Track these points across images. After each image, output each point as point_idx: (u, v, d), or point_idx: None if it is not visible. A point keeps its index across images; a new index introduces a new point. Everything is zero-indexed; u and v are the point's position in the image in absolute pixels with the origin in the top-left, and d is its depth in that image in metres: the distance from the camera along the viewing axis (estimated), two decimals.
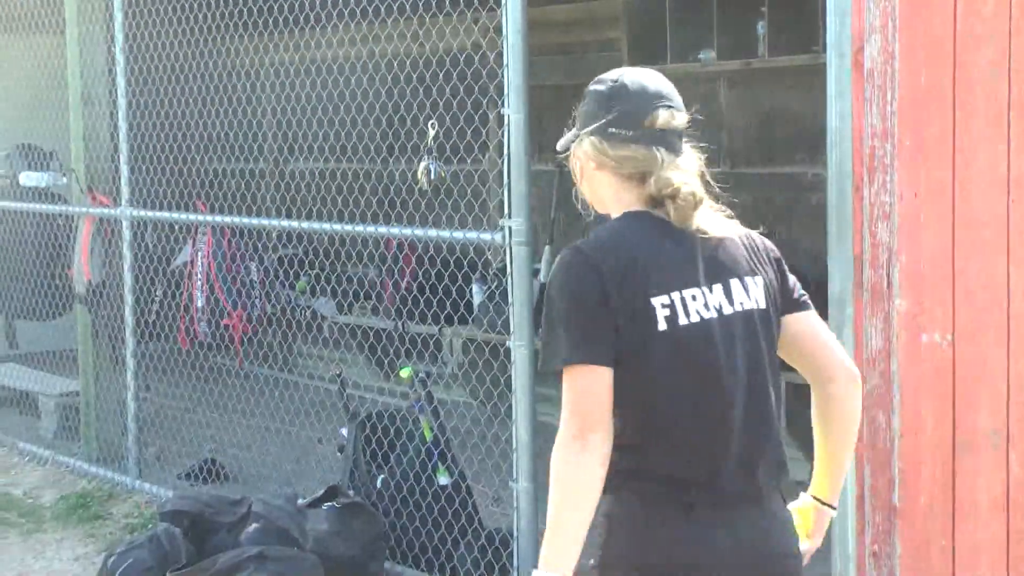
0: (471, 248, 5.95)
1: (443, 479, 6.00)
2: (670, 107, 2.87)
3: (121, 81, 7.30)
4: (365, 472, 6.14)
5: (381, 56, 8.43)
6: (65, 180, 8.50)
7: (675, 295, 2.77)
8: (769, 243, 3.00)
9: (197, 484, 7.20)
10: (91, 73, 7.78)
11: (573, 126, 2.97)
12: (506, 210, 5.07)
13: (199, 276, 8.15)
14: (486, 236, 5.23)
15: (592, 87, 2.94)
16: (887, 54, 4.04)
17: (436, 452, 6.05)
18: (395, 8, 5.97)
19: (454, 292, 6.34)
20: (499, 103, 5.12)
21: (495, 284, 8.11)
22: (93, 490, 7.39)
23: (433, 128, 5.77)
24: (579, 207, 3.04)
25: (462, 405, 8.11)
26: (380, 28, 7.93)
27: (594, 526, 2.76)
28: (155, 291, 8.01)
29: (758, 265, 2.90)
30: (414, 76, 6.16)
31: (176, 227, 8.11)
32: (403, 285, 9.02)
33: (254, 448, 7.87)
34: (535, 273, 5.02)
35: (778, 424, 2.89)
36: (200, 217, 7.39)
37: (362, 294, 9.66)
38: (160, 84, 7.61)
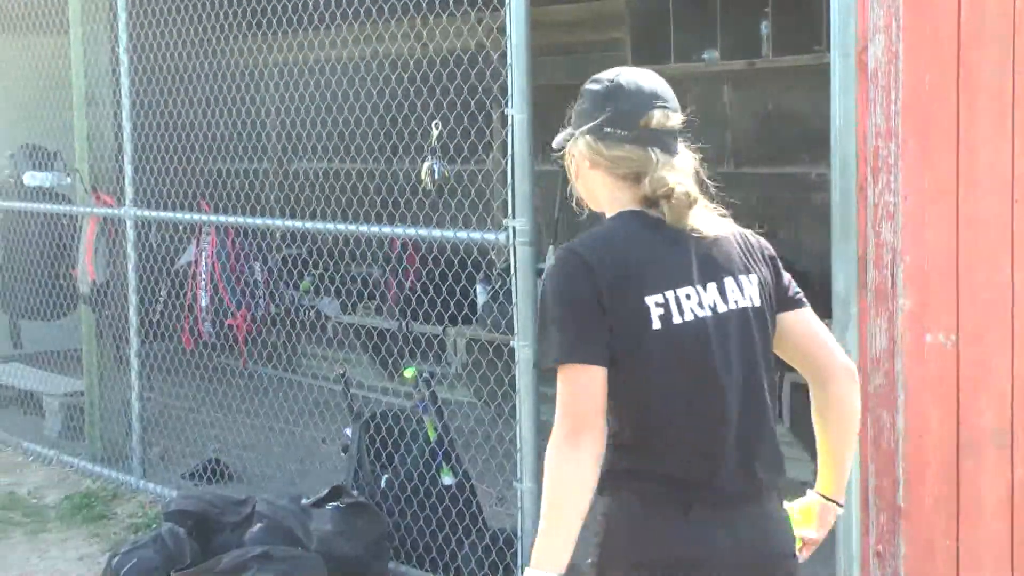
0: (475, 248, 5.96)
1: (447, 479, 6.00)
2: (665, 107, 2.88)
3: (125, 81, 7.31)
4: (369, 472, 6.14)
5: (385, 56, 8.42)
6: (69, 180, 8.52)
7: (669, 294, 2.78)
8: (764, 241, 3.01)
9: (201, 484, 7.21)
10: (95, 73, 7.79)
11: (569, 124, 2.97)
12: (510, 210, 5.07)
13: (203, 276, 8.15)
14: (490, 236, 5.23)
15: (588, 86, 2.95)
16: (891, 54, 4.04)
17: (440, 452, 6.05)
18: (399, 8, 5.97)
19: (458, 292, 6.34)
20: (503, 103, 5.12)
21: (499, 284, 8.11)
22: (97, 490, 7.39)
23: (437, 128, 5.76)
24: (574, 205, 3.05)
25: (466, 405, 8.10)
26: (384, 28, 7.92)
27: (586, 526, 2.77)
28: (159, 291, 8.01)
29: (752, 263, 2.91)
30: (418, 76, 6.16)
31: (180, 227, 8.11)
32: (407, 285, 9.01)
33: (258, 448, 7.87)
34: (539, 273, 5.01)
35: (774, 421, 2.89)
36: (204, 217, 7.39)
37: (366, 294, 9.66)
38: (164, 84, 7.61)
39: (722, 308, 2.82)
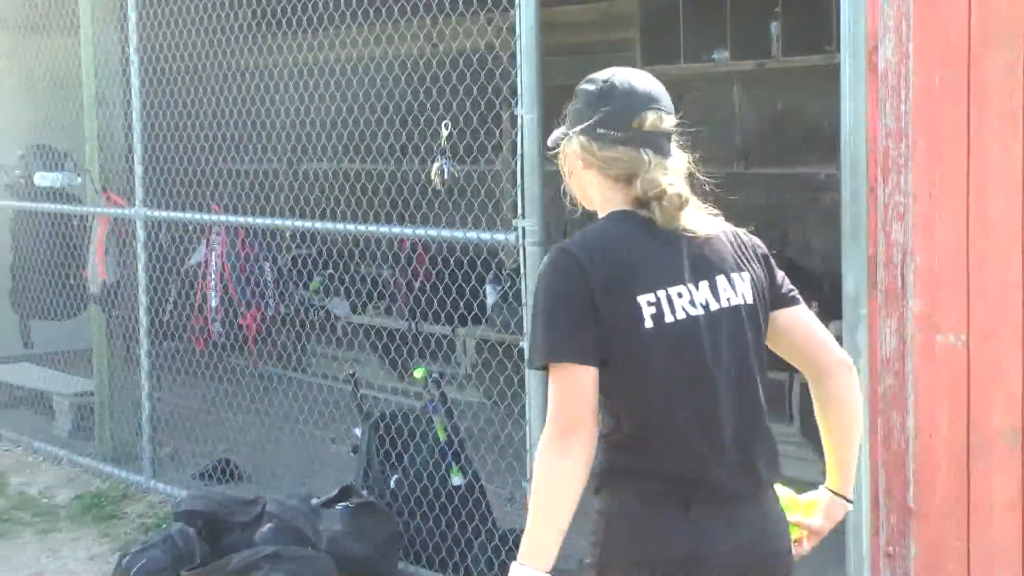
0: (485, 248, 5.95)
1: (457, 479, 6.01)
2: (659, 109, 2.89)
3: (135, 81, 7.32)
4: (379, 472, 6.14)
5: (395, 56, 8.43)
6: (79, 180, 8.53)
7: (661, 293, 2.79)
8: (756, 240, 3.03)
9: (211, 484, 7.21)
10: (105, 73, 7.80)
11: (564, 123, 2.99)
12: (520, 210, 5.07)
13: (213, 276, 8.16)
14: (500, 236, 5.23)
15: (582, 86, 2.96)
16: (901, 54, 4.03)
17: (450, 452, 6.06)
18: (409, 8, 5.97)
19: (468, 292, 6.34)
20: (513, 103, 5.12)
21: (509, 284, 8.10)
22: (108, 490, 7.41)
23: (447, 128, 5.76)
24: (567, 203, 3.06)
25: (476, 405, 8.11)
26: (394, 28, 7.92)
27: (573, 526, 2.77)
28: (169, 291, 8.02)
29: (745, 261, 2.93)
30: (428, 76, 6.16)
31: (190, 227, 8.12)
32: (417, 285, 9.01)
33: (268, 448, 7.88)
34: None
35: (767, 418, 2.90)
36: (214, 217, 7.40)
37: (376, 294, 9.67)
38: (174, 84, 7.62)
39: (714, 306, 2.84)
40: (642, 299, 2.78)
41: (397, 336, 8.49)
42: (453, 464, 6.04)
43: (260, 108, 7.96)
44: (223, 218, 7.35)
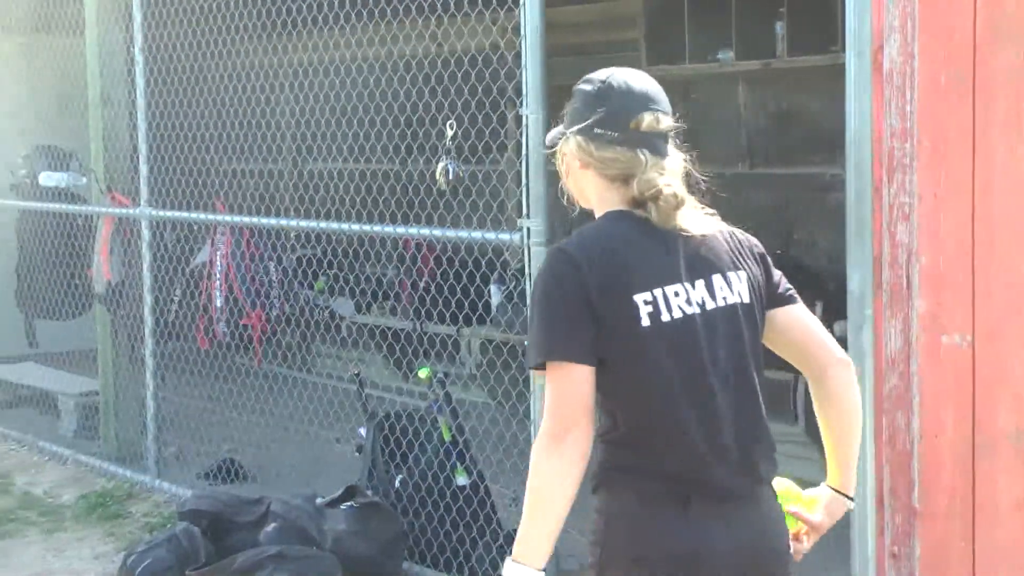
0: (489, 248, 5.96)
1: (461, 479, 6.01)
2: (656, 110, 2.90)
3: (140, 81, 7.33)
4: (383, 472, 6.15)
5: (399, 56, 8.43)
6: (84, 180, 8.54)
7: (657, 292, 2.80)
8: (753, 239, 3.03)
9: (216, 483, 7.22)
10: (110, 73, 7.81)
11: (562, 122, 3.00)
12: (524, 210, 5.07)
13: (218, 276, 8.16)
14: (504, 236, 5.23)
15: (580, 86, 2.97)
16: (906, 54, 4.03)
17: (454, 452, 6.06)
18: (413, 8, 5.97)
19: (472, 292, 6.34)
20: (517, 103, 5.12)
21: (513, 284, 8.10)
22: (113, 489, 7.41)
23: (451, 128, 5.77)
24: (564, 202, 3.07)
25: (480, 405, 8.11)
26: (398, 28, 7.93)
27: (576, 525, 2.78)
28: (174, 291, 8.03)
29: (741, 260, 2.93)
30: (432, 76, 6.16)
31: (195, 227, 8.13)
32: (421, 285, 9.02)
33: (273, 448, 7.89)
34: None
35: (765, 416, 2.91)
36: (219, 217, 7.40)
37: (380, 294, 9.67)
38: (179, 84, 7.62)
39: (710, 305, 2.85)
40: (639, 298, 2.79)
41: (402, 336, 8.49)
42: (458, 464, 6.04)
43: (265, 108, 7.97)
44: (228, 218, 7.36)
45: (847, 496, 3.10)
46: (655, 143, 2.88)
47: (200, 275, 8.28)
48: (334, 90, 8.25)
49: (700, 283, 2.85)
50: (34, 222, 9.10)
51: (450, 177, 5.86)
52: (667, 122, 2.92)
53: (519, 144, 5.16)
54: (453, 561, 5.77)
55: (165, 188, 7.51)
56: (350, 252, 9.24)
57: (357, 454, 6.51)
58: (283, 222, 7.52)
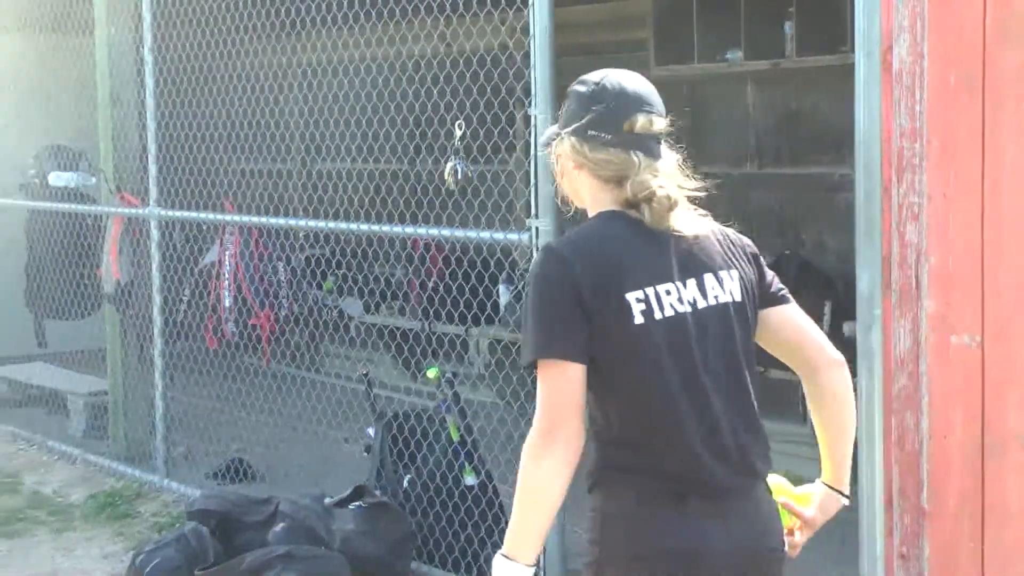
0: (498, 248, 5.95)
1: (470, 479, 6.01)
2: (649, 112, 2.92)
3: (149, 81, 7.34)
4: (392, 472, 6.15)
5: (408, 56, 8.43)
6: (94, 180, 8.55)
7: (649, 290, 2.82)
8: (746, 239, 3.05)
9: (224, 483, 7.23)
10: (120, 73, 7.82)
11: (558, 121, 3.02)
12: (533, 210, 5.07)
13: (227, 276, 8.17)
14: (513, 236, 5.23)
15: (574, 87, 3.00)
16: (916, 54, 4.02)
17: (463, 452, 6.06)
18: (422, 8, 5.97)
19: (481, 292, 6.34)
20: (526, 103, 5.12)
21: (522, 284, 8.11)
22: (122, 489, 7.42)
23: (460, 128, 5.77)
24: (559, 202, 3.09)
25: (489, 405, 8.11)
26: (407, 28, 7.93)
27: (572, 526, 2.79)
28: (183, 291, 8.04)
29: (733, 260, 2.95)
30: (441, 76, 6.16)
31: (204, 227, 8.14)
32: (430, 285, 9.02)
33: (281, 447, 7.89)
34: None
35: (758, 413, 2.93)
36: (228, 217, 7.41)
37: (389, 294, 9.68)
38: (188, 84, 7.63)
39: (702, 304, 2.87)
40: (631, 296, 2.81)
41: (410, 336, 8.50)
42: (466, 464, 6.04)
43: (274, 108, 7.97)
44: (237, 218, 7.36)
45: (842, 493, 3.12)
46: (648, 145, 2.91)
47: (209, 275, 8.29)
48: (343, 90, 8.25)
49: (692, 282, 2.87)
50: (44, 222, 9.11)
51: (459, 177, 5.86)
52: (661, 124, 2.94)
53: (527, 144, 5.15)
54: (461, 561, 5.77)
55: (174, 188, 7.52)
56: (359, 252, 9.25)
57: (365, 454, 6.51)
58: (292, 222, 7.52)
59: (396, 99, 7.74)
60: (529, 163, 5.10)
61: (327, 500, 5.91)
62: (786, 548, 3.00)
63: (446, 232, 5.81)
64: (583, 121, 2.91)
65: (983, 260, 4.10)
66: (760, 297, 2.99)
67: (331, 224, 6.84)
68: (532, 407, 5.35)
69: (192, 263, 8.09)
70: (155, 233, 7.39)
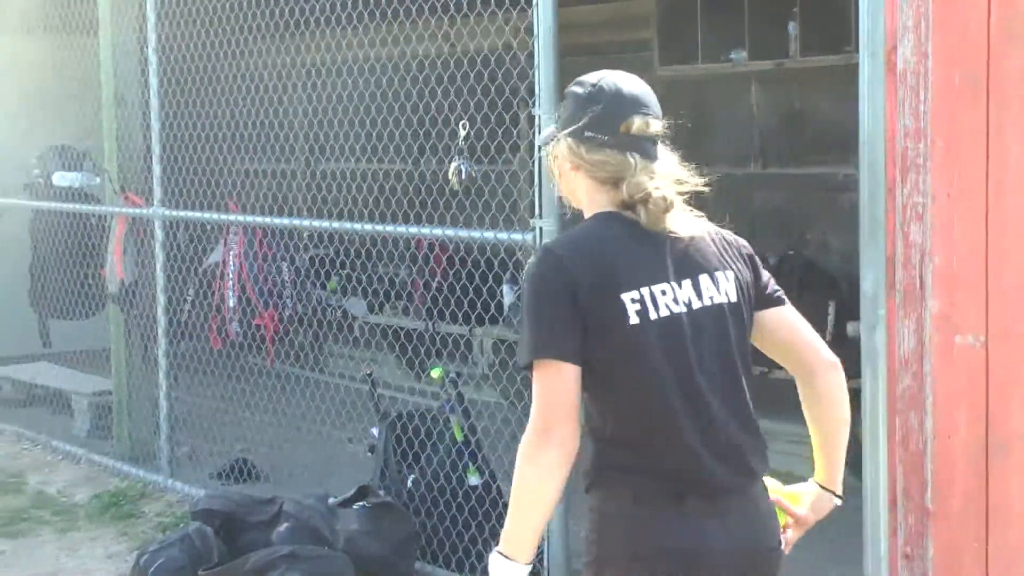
0: (502, 248, 5.96)
1: (474, 479, 6.01)
2: (646, 114, 2.93)
3: (154, 81, 7.35)
4: (396, 472, 6.15)
5: (412, 56, 8.43)
6: (98, 180, 8.56)
7: (644, 291, 2.84)
8: (742, 240, 3.07)
9: (228, 483, 7.23)
10: (124, 73, 7.83)
11: (556, 122, 3.04)
12: (537, 210, 5.07)
13: (231, 276, 8.18)
14: (517, 236, 5.23)
15: (572, 88, 3.02)
16: (920, 54, 4.02)
17: (467, 452, 6.06)
18: (426, 8, 5.97)
19: (485, 292, 6.34)
20: (530, 103, 5.12)
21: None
22: (126, 489, 7.43)
23: (464, 128, 5.77)
24: (555, 203, 3.12)
25: (493, 405, 8.11)
26: (411, 28, 7.93)
27: (575, 527, 2.80)
28: (187, 291, 8.04)
29: (729, 260, 2.97)
30: (445, 76, 6.17)
31: (208, 227, 8.15)
32: (434, 285, 9.02)
33: (285, 447, 7.89)
34: None
35: (753, 413, 2.94)
36: (232, 217, 7.42)
37: (393, 294, 9.68)
38: (192, 84, 7.64)
39: (697, 304, 2.88)
40: (626, 297, 2.82)
41: (414, 336, 8.50)
42: (470, 464, 6.04)
43: (278, 108, 7.98)
44: (241, 218, 7.37)
45: (834, 493, 3.14)
46: (645, 146, 2.92)
47: (213, 275, 8.30)
48: (347, 90, 8.26)
49: (687, 283, 2.88)
50: (48, 222, 9.12)
51: (463, 177, 5.86)
52: (657, 125, 2.95)
53: (531, 144, 5.15)
54: (465, 561, 5.77)
55: (178, 188, 7.52)
56: (363, 252, 9.25)
57: (369, 454, 6.52)
58: (296, 222, 7.53)
59: (400, 99, 7.74)
60: (533, 163, 5.10)
61: (331, 500, 5.91)
62: (783, 547, 3.01)
63: (450, 232, 5.81)
64: (580, 123, 2.92)
65: (987, 260, 4.10)
66: (756, 298, 3.00)
67: (335, 224, 6.84)
68: None
69: (196, 263, 8.10)
70: (159, 233, 7.40)
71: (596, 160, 2.91)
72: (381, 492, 5.99)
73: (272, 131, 8.12)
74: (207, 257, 8.46)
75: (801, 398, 3.10)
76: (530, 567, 2.84)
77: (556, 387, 2.79)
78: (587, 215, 2.98)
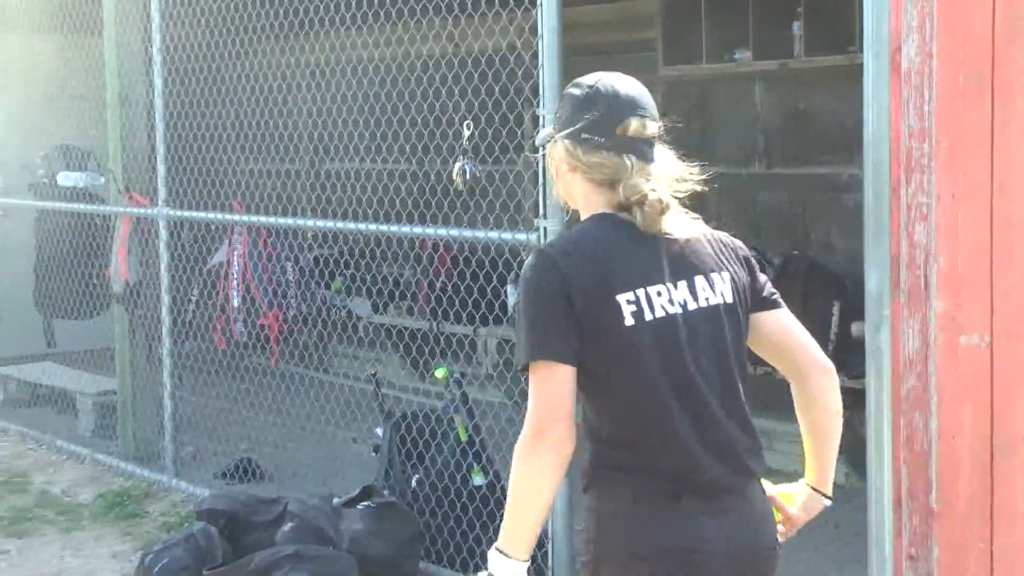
0: (506, 248, 5.96)
1: (478, 479, 6.01)
2: (643, 116, 2.94)
3: (158, 81, 7.35)
4: (400, 472, 6.15)
5: (416, 57, 8.43)
6: (103, 180, 8.56)
7: (640, 292, 2.85)
8: (739, 243, 3.08)
9: (233, 483, 7.23)
10: (128, 73, 7.83)
11: (553, 123, 3.05)
12: (541, 211, 5.07)
13: (235, 276, 8.18)
14: (521, 236, 5.23)
15: (569, 90, 3.03)
16: (925, 54, 4.01)
17: (471, 452, 6.06)
18: (430, 9, 5.98)
19: (489, 292, 6.34)
20: (534, 103, 5.12)
21: None
22: (130, 488, 7.44)
23: (468, 128, 5.77)
24: (560, 203, 3.13)
25: (497, 405, 8.11)
26: (416, 29, 7.93)
27: (578, 528, 2.80)
28: (192, 291, 8.05)
29: (725, 262, 2.98)
30: (449, 76, 6.17)
31: (212, 227, 8.16)
32: (438, 285, 9.03)
33: (290, 447, 7.90)
34: None
35: (748, 413, 2.95)
36: (236, 217, 7.42)
37: (397, 294, 9.68)
38: (197, 84, 7.65)
39: (692, 305, 2.89)
40: (621, 298, 2.83)
41: (419, 336, 8.50)
42: (474, 464, 6.05)
43: (282, 108, 7.98)
44: (245, 218, 7.37)
45: (824, 494, 3.17)
46: (641, 148, 2.93)
47: (217, 275, 8.30)
48: (351, 90, 8.26)
49: (682, 284, 2.90)
50: (52, 222, 9.13)
51: (467, 177, 5.86)
52: (653, 127, 2.96)
53: (535, 144, 5.15)
54: (469, 561, 5.77)
55: (182, 188, 7.53)
56: (367, 252, 9.26)
57: (374, 454, 6.52)
58: (300, 222, 7.53)
59: (404, 99, 7.74)
60: (537, 163, 5.10)
61: (335, 500, 5.92)
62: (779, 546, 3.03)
63: (454, 232, 5.82)
64: (577, 124, 2.94)
65: (992, 260, 4.10)
66: (752, 300, 3.01)
67: (339, 224, 6.84)
68: None
69: (201, 263, 8.10)
70: (164, 233, 7.40)
71: (593, 162, 2.92)
72: (385, 492, 5.99)
73: (276, 131, 8.12)
74: (211, 257, 8.46)
75: (795, 402, 3.12)
76: (528, 562, 2.86)
77: (551, 388, 2.81)
78: (583, 216, 2.99)
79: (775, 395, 3.15)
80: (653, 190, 2.88)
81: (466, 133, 5.79)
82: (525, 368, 2.84)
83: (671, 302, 2.86)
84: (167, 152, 7.34)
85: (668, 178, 2.93)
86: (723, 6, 8.33)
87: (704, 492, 2.85)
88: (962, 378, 4.10)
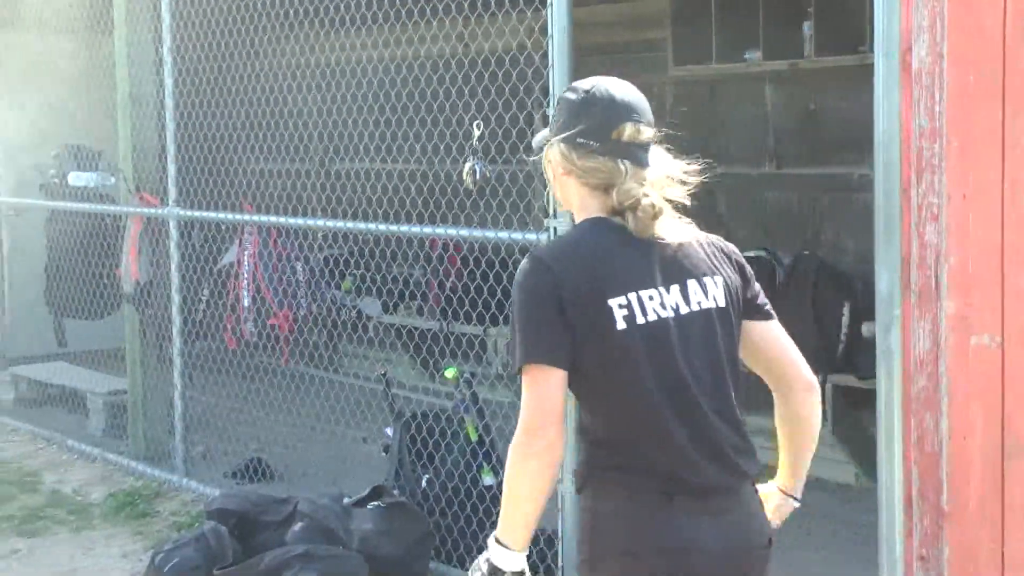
0: (516, 248, 5.95)
1: (488, 479, 6.01)
2: (638, 121, 2.96)
3: (168, 81, 7.36)
4: (410, 472, 6.15)
5: (427, 56, 8.44)
6: (113, 180, 8.58)
7: (632, 296, 2.87)
8: (733, 248, 3.10)
9: (243, 483, 7.24)
10: (139, 73, 7.85)
11: (549, 127, 3.08)
12: (551, 210, 5.07)
13: (245, 276, 8.19)
14: (531, 236, 5.23)
15: (565, 94, 3.06)
16: (935, 54, 4.01)
17: (481, 452, 6.06)
18: (440, 9, 5.98)
19: (499, 292, 6.34)
20: (544, 103, 5.12)
21: None
22: (141, 488, 7.45)
23: (479, 128, 5.77)
24: (549, 205, 3.15)
25: (507, 405, 8.11)
26: (426, 29, 7.93)
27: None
28: (202, 291, 8.06)
29: (718, 266, 3.00)
30: (460, 76, 6.17)
31: (223, 227, 8.17)
32: (448, 285, 9.03)
33: (300, 447, 7.91)
34: None
35: (740, 415, 2.98)
36: (247, 217, 7.43)
37: (407, 294, 9.69)
38: (207, 84, 7.65)
39: (684, 309, 2.92)
40: (613, 302, 2.86)
41: (429, 336, 8.51)
42: (484, 464, 6.05)
43: (293, 108, 7.98)
44: (256, 218, 7.38)
45: (794, 497, 3.24)
46: (636, 153, 2.95)
47: (228, 275, 8.31)
48: (361, 90, 8.26)
49: (675, 288, 2.92)
50: (63, 222, 9.15)
51: (477, 177, 5.86)
52: (649, 132, 2.98)
53: None
54: None
55: (193, 188, 7.54)
56: (377, 252, 9.26)
57: (384, 454, 6.52)
58: (310, 222, 7.53)
59: (415, 99, 7.75)
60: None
61: (345, 500, 5.92)
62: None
63: (464, 232, 5.82)
64: (572, 129, 2.96)
65: (1003, 260, 4.09)
66: (744, 307, 3.04)
67: (349, 224, 6.85)
68: None
69: (211, 263, 8.11)
70: (174, 233, 7.41)
71: (587, 167, 2.95)
72: (395, 492, 6.00)
73: (287, 131, 8.13)
74: (222, 257, 8.48)
75: (776, 412, 3.17)
76: (525, 552, 2.93)
77: (543, 391, 2.84)
78: (578, 220, 3.02)
79: (770, 396, 3.17)
80: (646, 195, 2.90)
81: (476, 133, 5.79)
82: (519, 371, 2.87)
83: (663, 306, 2.89)
84: (177, 152, 7.35)
85: (663, 183, 2.95)
86: (733, 6, 8.32)
87: (697, 493, 2.88)
88: (973, 379, 4.09)
